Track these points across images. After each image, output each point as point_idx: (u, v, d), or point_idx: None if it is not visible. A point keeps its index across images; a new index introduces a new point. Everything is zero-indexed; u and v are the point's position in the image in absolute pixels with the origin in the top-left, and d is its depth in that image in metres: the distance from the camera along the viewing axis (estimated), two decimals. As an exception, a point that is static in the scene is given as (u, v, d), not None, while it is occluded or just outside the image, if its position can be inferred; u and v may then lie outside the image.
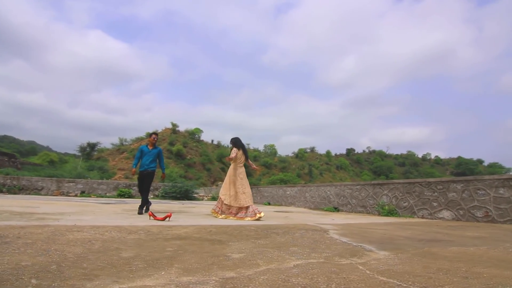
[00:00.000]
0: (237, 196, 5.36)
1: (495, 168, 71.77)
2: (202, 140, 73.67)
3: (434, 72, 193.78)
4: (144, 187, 5.75)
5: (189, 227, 3.50)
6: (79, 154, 48.91)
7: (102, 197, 15.14)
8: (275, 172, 64.82)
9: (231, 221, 4.59)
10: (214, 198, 19.17)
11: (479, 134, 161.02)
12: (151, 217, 4.47)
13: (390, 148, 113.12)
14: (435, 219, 6.58)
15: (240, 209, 5.32)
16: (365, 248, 2.37)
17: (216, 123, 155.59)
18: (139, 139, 65.75)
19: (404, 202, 7.57)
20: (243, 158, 5.75)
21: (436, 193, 6.79)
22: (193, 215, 5.64)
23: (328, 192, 10.62)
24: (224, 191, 5.41)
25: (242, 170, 5.69)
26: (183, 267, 1.60)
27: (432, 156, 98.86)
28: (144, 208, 5.61)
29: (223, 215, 5.22)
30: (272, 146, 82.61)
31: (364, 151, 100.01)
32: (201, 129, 71.79)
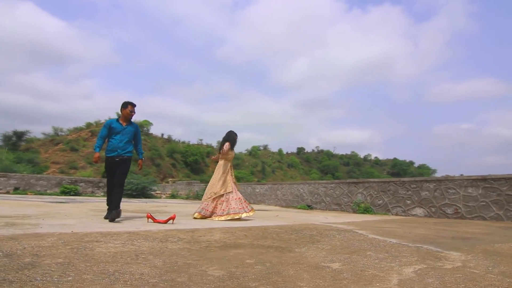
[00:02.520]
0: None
1: (423, 169, 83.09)
2: (151, 134, 69.45)
3: (375, 80, 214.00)
4: (117, 181, 3.93)
5: (215, 229, 3.10)
6: (2, 144, 41.85)
7: (42, 194, 13.11)
8: (228, 169, 64.29)
9: (237, 223, 4.25)
10: (173, 196, 18.17)
11: (411, 138, 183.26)
12: (149, 219, 3.90)
13: (337, 148, 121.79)
14: (409, 216, 7.12)
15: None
16: (430, 249, 2.33)
17: (166, 116, 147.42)
18: (78, 130, 59.04)
19: (379, 200, 8.04)
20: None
21: (410, 192, 7.34)
22: (181, 216, 5.11)
23: (301, 190, 10.79)
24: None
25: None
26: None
27: (372, 157, 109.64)
28: (114, 213, 3.72)
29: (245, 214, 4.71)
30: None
31: (313, 150, 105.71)
32: (150, 121, 67.60)
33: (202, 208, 4.63)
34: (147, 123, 67.40)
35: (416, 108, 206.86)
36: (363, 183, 8.73)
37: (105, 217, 3.91)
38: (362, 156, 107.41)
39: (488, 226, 4.46)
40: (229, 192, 4.64)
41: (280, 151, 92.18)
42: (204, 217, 4.51)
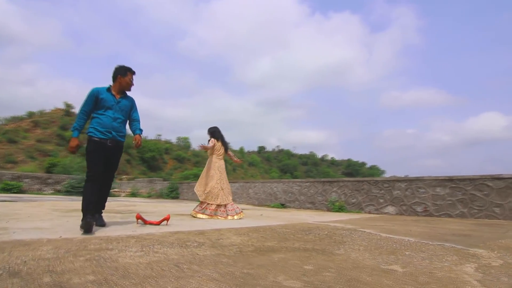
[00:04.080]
0: (214, 193, 4.78)
1: (374, 169, 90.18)
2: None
3: (334, 84, 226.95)
4: (109, 176, 3.10)
5: (223, 230, 2.84)
6: None
7: (-24, 192, 11.27)
8: (189, 166, 62.65)
9: (229, 222, 4.01)
10: (133, 194, 17.01)
11: (363, 140, 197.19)
12: (139, 220, 3.47)
13: (296, 148, 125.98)
14: (381, 213, 7.50)
15: (218, 206, 4.76)
16: (454, 247, 2.39)
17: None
18: (18, 119, 52.23)
19: (353, 199, 8.36)
20: (222, 150, 5.19)
21: (382, 191, 7.74)
22: (160, 216, 4.69)
23: (275, 188, 10.80)
24: (199, 187, 4.76)
25: (221, 163, 5.13)
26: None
27: (329, 157, 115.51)
28: (102, 219, 3.08)
29: (200, 214, 4.54)
30: (186, 138, 79.44)
31: (273, 149, 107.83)
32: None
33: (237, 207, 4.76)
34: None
35: (369, 113, 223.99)
36: (338, 182, 9.00)
37: (82, 226, 2.55)
38: (320, 156, 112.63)
39: (463, 224, 4.84)
40: None
41: (241, 149, 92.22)
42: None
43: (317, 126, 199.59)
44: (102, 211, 3.17)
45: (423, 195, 6.94)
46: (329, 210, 8.53)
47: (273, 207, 10.02)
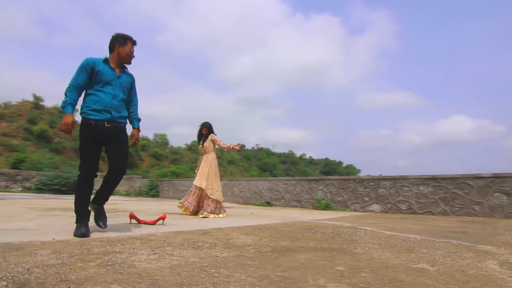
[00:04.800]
0: (221, 190, 4.77)
1: (350, 169, 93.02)
2: (76, 121, 61.24)
3: (312, 84, 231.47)
4: (121, 167, 2.48)
5: (226, 230, 2.70)
6: None
7: None
8: (166, 164, 61.20)
9: (226, 221, 3.88)
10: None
11: (340, 140, 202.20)
12: (133, 219, 3.25)
13: (275, 147, 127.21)
14: (367, 211, 7.67)
15: (220, 204, 4.71)
16: (462, 244, 2.43)
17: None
18: (-21, 111, 48.26)
19: (339, 197, 8.48)
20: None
21: (368, 189, 7.92)
22: (148, 214, 4.47)
23: (260, 186, 10.74)
24: (211, 185, 4.58)
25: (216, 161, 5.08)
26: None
27: (307, 156, 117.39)
28: (99, 215, 2.58)
29: (212, 215, 4.38)
30: (163, 135, 77.45)
31: (253, 147, 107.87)
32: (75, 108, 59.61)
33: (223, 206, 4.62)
34: (72, 109, 59.22)
35: (346, 113, 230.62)
36: (323, 180, 9.10)
37: (77, 236, 2.15)
38: (298, 155, 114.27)
39: (449, 221, 5.04)
40: None
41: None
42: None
43: (295, 125, 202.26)
44: (100, 209, 2.64)
45: (407, 194, 7.17)
46: (315, 208, 8.60)
47: (258, 205, 9.95)
